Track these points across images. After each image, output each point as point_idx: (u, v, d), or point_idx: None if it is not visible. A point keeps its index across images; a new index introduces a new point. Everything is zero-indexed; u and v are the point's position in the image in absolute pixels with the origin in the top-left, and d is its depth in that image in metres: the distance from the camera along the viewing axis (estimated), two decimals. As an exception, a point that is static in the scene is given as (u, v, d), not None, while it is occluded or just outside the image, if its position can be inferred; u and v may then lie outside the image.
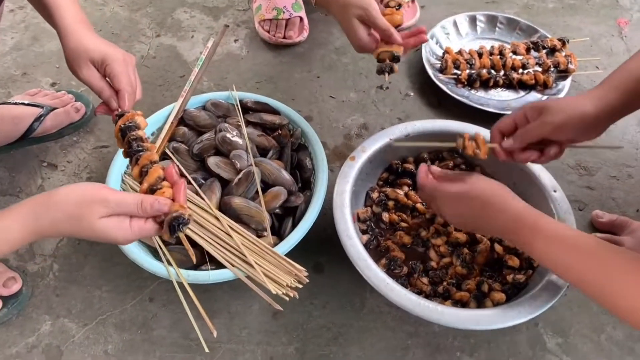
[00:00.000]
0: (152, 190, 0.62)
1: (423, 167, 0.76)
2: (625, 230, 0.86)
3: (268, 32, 1.21)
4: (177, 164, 0.83)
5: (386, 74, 0.82)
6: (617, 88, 0.67)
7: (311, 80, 1.16)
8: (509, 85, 1.11)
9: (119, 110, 0.72)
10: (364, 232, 0.85)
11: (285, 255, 0.79)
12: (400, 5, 0.83)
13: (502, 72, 1.11)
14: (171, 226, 0.60)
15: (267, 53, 1.22)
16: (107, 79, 0.73)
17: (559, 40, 1.15)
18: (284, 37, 1.20)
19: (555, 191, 0.81)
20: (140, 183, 0.62)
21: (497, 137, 0.74)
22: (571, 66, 1.10)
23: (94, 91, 0.73)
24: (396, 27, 0.82)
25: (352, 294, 0.82)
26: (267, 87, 1.14)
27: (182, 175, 0.83)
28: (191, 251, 0.67)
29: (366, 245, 0.82)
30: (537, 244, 0.61)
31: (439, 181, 0.73)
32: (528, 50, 1.15)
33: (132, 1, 1.36)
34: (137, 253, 0.74)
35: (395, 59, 0.81)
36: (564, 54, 1.13)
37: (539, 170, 0.85)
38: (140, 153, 0.67)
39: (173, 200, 0.59)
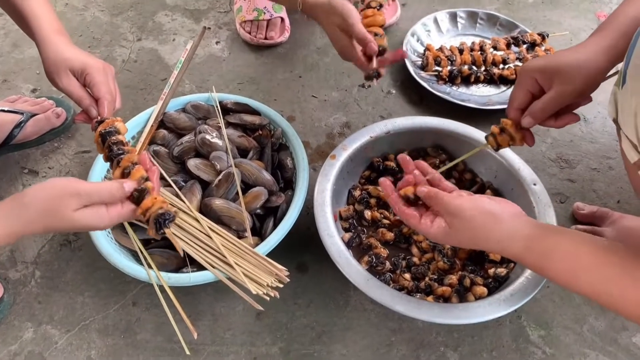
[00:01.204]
0: (140, 192, 0.63)
1: (393, 198, 0.68)
2: (606, 222, 0.87)
3: (249, 33, 1.21)
4: (158, 167, 0.82)
5: (374, 80, 0.82)
6: (624, 34, 0.60)
7: (293, 80, 1.16)
8: (490, 80, 1.11)
9: (99, 118, 0.72)
10: (346, 230, 0.85)
11: (268, 255, 0.78)
12: (381, 5, 0.83)
13: (483, 68, 1.12)
14: (157, 222, 0.62)
15: (249, 54, 1.21)
16: (86, 88, 0.73)
17: (539, 34, 1.16)
18: (266, 38, 1.20)
19: (535, 184, 0.82)
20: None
21: (518, 116, 0.68)
22: (551, 60, 1.10)
23: (73, 100, 0.73)
24: (379, 27, 0.82)
25: (336, 292, 0.82)
26: (249, 88, 1.14)
27: (162, 178, 0.83)
28: (178, 245, 0.67)
29: (349, 243, 0.82)
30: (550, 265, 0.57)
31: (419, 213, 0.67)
32: (508, 45, 1.15)
33: (113, 5, 1.35)
34: (117, 257, 0.73)
35: (381, 50, 0.81)
36: (543, 48, 1.14)
37: (519, 163, 0.85)
38: (121, 155, 0.67)
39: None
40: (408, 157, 0.72)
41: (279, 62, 1.20)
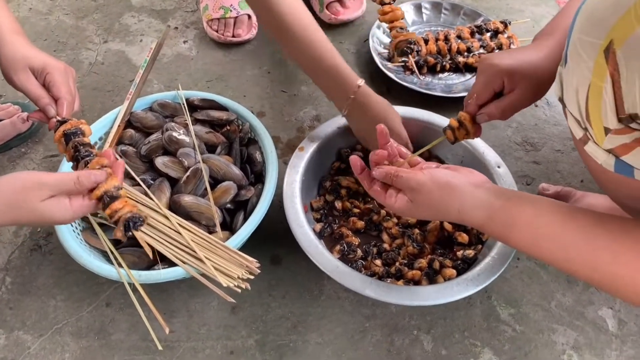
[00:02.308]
0: (110, 197, 0.64)
1: (363, 176, 0.69)
2: (570, 200, 0.89)
3: (217, 31, 1.21)
4: (123, 162, 0.82)
5: (409, 57, 0.90)
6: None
7: (262, 76, 1.16)
8: (456, 69, 1.13)
9: (58, 117, 0.72)
10: (318, 220, 0.86)
11: (241, 249, 0.79)
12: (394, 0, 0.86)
13: (448, 57, 1.13)
14: (126, 225, 0.63)
15: (217, 52, 1.21)
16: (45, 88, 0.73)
17: (502, 22, 1.18)
18: (233, 36, 1.20)
19: (499, 167, 0.84)
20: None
21: (475, 112, 0.70)
22: (513, 47, 1.13)
23: (30, 98, 0.73)
24: (399, 20, 0.89)
25: (310, 283, 0.83)
26: (218, 85, 1.14)
27: (131, 177, 0.82)
28: (147, 248, 0.68)
29: (320, 233, 0.83)
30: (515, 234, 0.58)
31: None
32: (472, 34, 1.17)
33: (78, 8, 1.34)
34: (87, 258, 0.73)
35: (412, 43, 0.85)
36: (506, 35, 1.16)
37: (483, 147, 0.87)
38: (88, 157, 0.67)
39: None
40: (385, 130, 0.70)
41: (248, 59, 1.20)
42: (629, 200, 0.70)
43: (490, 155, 0.86)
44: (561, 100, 0.58)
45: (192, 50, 1.23)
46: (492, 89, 0.68)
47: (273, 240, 0.87)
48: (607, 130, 0.54)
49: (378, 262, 0.80)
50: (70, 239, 0.75)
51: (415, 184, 0.62)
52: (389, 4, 0.85)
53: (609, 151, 0.56)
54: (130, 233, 0.66)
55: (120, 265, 0.73)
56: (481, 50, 1.14)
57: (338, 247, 0.81)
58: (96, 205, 0.63)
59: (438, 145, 0.72)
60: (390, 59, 1.14)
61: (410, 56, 1.07)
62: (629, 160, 0.56)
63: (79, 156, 0.69)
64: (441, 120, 0.90)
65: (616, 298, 0.80)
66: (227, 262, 0.71)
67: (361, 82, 0.81)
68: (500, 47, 1.13)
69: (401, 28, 0.83)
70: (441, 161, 0.93)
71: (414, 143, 0.91)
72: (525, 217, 0.57)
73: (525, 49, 0.67)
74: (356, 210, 0.87)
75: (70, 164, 0.71)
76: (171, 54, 1.22)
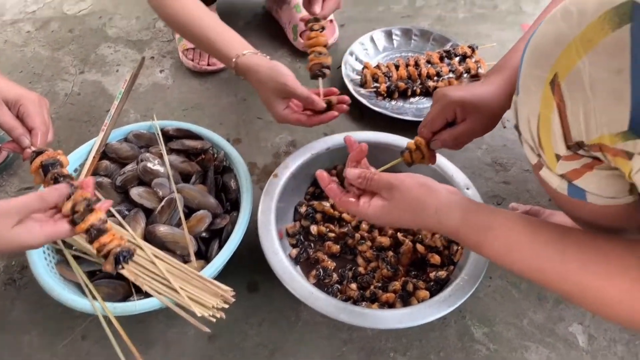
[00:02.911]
0: (98, 230, 0.64)
1: (330, 187, 0.68)
2: (539, 218, 0.92)
3: (192, 60, 1.23)
4: (100, 196, 0.83)
5: (320, 79, 0.87)
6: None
7: (238, 103, 1.18)
8: (426, 93, 1.17)
9: (32, 147, 0.72)
10: (293, 246, 0.87)
11: (217, 277, 0.79)
12: (323, 28, 0.90)
13: (418, 82, 1.17)
14: (116, 259, 0.64)
15: (193, 81, 1.23)
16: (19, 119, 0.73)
17: (469, 47, 1.22)
18: (208, 64, 1.22)
19: (468, 189, 0.86)
20: (73, 218, 0.63)
21: (429, 138, 0.74)
22: (481, 70, 1.17)
23: (4, 129, 0.73)
24: (323, 46, 0.89)
25: (287, 309, 0.84)
26: (195, 113, 1.16)
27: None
28: (139, 280, 0.68)
29: (297, 259, 0.84)
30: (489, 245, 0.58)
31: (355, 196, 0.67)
32: (441, 59, 1.21)
33: (54, 40, 1.35)
34: (61, 291, 0.73)
35: (325, 67, 0.87)
36: (474, 60, 1.20)
37: (453, 170, 0.89)
38: (70, 189, 0.67)
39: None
40: (353, 139, 0.72)
41: (223, 87, 1.22)
42: (586, 221, 0.73)
43: (459, 177, 0.88)
44: (516, 127, 0.61)
45: (169, 79, 1.24)
46: (444, 118, 0.71)
47: (250, 266, 0.87)
48: (558, 157, 0.56)
49: (353, 285, 0.81)
50: (44, 272, 0.75)
51: (395, 180, 0.62)
52: (317, 30, 0.89)
53: (562, 176, 0.59)
54: (120, 266, 0.66)
55: (94, 297, 0.72)
56: (450, 75, 1.18)
57: (314, 272, 0.82)
58: (71, 232, 0.62)
59: (409, 170, 0.74)
60: (362, 84, 1.18)
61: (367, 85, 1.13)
62: (580, 184, 0.59)
63: None
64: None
65: (586, 310, 0.82)
66: (201, 291, 0.71)
67: (246, 52, 0.85)
68: (468, 71, 1.17)
69: (320, 53, 0.88)
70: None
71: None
72: (499, 223, 0.58)
73: (476, 84, 0.72)
74: (332, 235, 0.88)
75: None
76: (147, 83, 1.23)
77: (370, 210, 0.63)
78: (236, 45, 0.87)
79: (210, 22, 0.90)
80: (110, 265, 0.65)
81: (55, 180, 0.69)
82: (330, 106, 0.83)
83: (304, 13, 1.26)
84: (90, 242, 0.65)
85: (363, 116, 1.15)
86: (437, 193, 0.61)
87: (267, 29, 1.36)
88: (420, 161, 0.75)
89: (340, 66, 1.20)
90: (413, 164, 0.74)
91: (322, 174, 0.69)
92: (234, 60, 0.85)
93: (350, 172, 0.65)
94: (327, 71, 0.88)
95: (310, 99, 0.81)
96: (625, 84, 0.48)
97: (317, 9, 0.91)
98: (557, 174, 0.58)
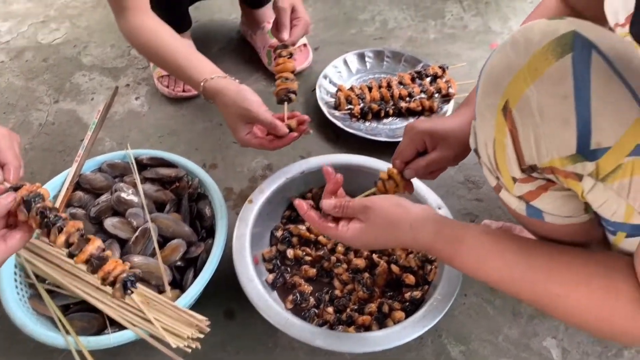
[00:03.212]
0: (98, 259, 0.63)
1: (309, 214, 0.69)
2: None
3: (167, 87, 1.24)
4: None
5: (285, 103, 0.88)
6: None
7: (213, 128, 1.19)
8: (399, 114, 1.19)
9: (7, 184, 0.72)
10: (270, 271, 0.87)
11: (195, 305, 0.79)
12: (291, 54, 0.91)
13: (391, 103, 1.19)
14: (124, 285, 0.63)
15: (168, 107, 1.24)
16: None
17: (440, 67, 1.25)
18: (184, 91, 1.23)
19: (440, 208, 0.88)
20: (70, 251, 0.63)
21: (402, 168, 0.76)
22: (451, 90, 1.20)
23: None
24: (291, 72, 0.91)
25: (265, 335, 0.84)
26: (170, 140, 1.16)
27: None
28: (146, 305, 0.69)
29: (273, 284, 0.85)
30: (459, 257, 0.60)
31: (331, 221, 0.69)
32: (413, 79, 1.24)
33: (28, 69, 1.35)
34: (33, 327, 0.72)
35: (291, 92, 0.88)
36: (444, 79, 1.23)
37: (425, 190, 0.91)
38: (60, 222, 0.67)
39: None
40: (330, 169, 0.73)
41: (199, 112, 1.23)
42: (548, 239, 0.75)
43: (431, 197, 0.90)
44: (476, 151, 0.63)
45: (144, 106, 1.25)
46: (414, 147, 0.74)
47: (227, 293, 0.87)
48: (514, 179, 0.58)
49: (330, 309, 0.81)
50: (16, 307, 0.74)
51: (369, 202, 0.64)
52: (285, 57, 0.91)
53: (520, 197, 0.61)
54: (129, 292, 0.66)
55: (67, 332, 0.72)
56: (422, 95, 1.20)
57: (291, 297, 0.83)
58: (22, 239, 0.62)
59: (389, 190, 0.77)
60: (336, 107, 1.20)
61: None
62: (537, 205, 0.61)
63: (49, 222, 0.67)
64: (384, 166, 0.94)
65: (560, 321, 0.83)
66: (176, 321, 0.71)
67: (214, 76, 0.86)
68: (439, 91, 1.20)
69: (286, 78, 0.90)
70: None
71: (356, 189, 0.95)
72: (471, 234, 0.60)
73: (445, 117, 0.76)
74: (308, 258, 0.88)
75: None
76: (123, 111, 1.23)
77: (348, 233, 0.65)
78: (206, 70, 0.88)
79: (180, 49, 0.91)
80: (119, 292, 0.64)
81: (43, 216, 0.67)
82: (291, 129, 0.84)
83: (276, 38, 1.29)
84: (93, 272, 0.64)
85: (338, 138, 1.17)
86: (410, 210, 0.64)
87: (242, 53, 1.38)
88: (395, 190, 0.77)
89: (314, 89, 1.22)
90: (387, 193, 0.76)
91: (300, 203, 0.70)
92: (202, 84, 0.86)
93: (326, 204, 0.67)
94: (292, 96, 0.89)
95: (273, 125, 0.81)
96: (570, 110, 0.50)
97: (285, 36, 0.93)
98: (515, 195, 0.60)
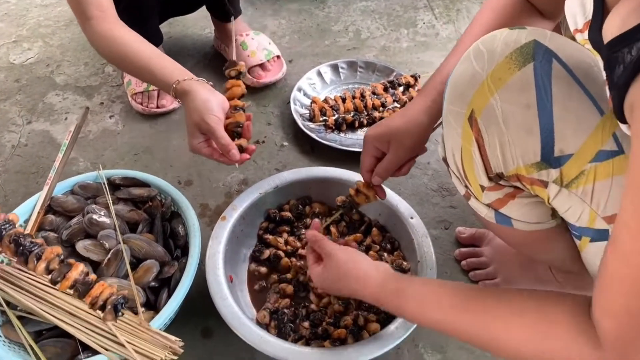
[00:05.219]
0: (83, 284, 0.63)
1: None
2: (484, 241, 0.95)
3: (141, 104, 1.23)
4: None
5: (235, 139, 0.84)
6: (440, 93, 0.67)
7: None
8: (373, 124, 1.19)
9: None
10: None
11: (171, 325, 0.79)
12: (239, 73, 0.88)
13: (365, 113, 1.20)
14: (115, 309, 0.65)
15: (143, 124, 1.24)
16: None
17: (412, 76, 1.27)
18: (157, 107, 1.23)
19: (412, 218, 0.89)
20: (52, 278, 0.63)
21: (369, 177, 0.78)
22: (424, 99, 1.21)
23: None
24: (239, 98, 0.86)
25: (243, 352, 0.84)
26: (145, 158, 1.16)
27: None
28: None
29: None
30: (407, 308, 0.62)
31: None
32: (386, 89, 1.25)
33: (0, 91, 1.34)
34: (4, 355, 0.71)
35: (240, 126, 0.84)
36: (417, 88, 1.25)
37: (397, 200, 0.92)
38: (36, 249, 0.66)
39: None
40: (318, 223, 0.82)
41: (174, 128, 1.23)
42: (517, 245, 0.76)
43: (403, 207, 0.90)
44: (444, 160, 0.64)
45: (119, 124, 1.24)
46: (371, 155, 0.76)
47: (203, 311, 0.87)
48: (482, 188, 0.59)
49: (306, 324, 0.81)
50: (-13, 337, 0.73)
51: (331, 250, 0.69)
52: (235, 78, 0.87)
53: (488, 205, 0.62)
54: (121, 314, 0.66)
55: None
56: (395, 105, 1.22)
57: (267, 314, 0.83)
58: None
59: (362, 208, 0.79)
60: (311, 119, 1.20)
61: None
62: (505, 212, 0.62)
63: (25, 250, 0.66)
64: (358, 177, 0.95)
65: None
66: (149, 344, 0.71)
67: (184, 78, 0.83)
68: (411, 100, 1.21)
69: (235, 108, 0.84)
70: (362, 215, 0.97)
71: (332, 202, 0.95)
72: (412, 287, 0.62)
73: (393, 116, 0.75)
74: (288, 276, 0.89)
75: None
76: (97, 130, 1.23)
77: (314, 271, 0.72)
78: (177, 72, 0.86)
79: (150, 52, 0.88)
80: (110, 315, 0.65)
81: (17, 244, 0.67)
82: (242, 150, 0.82)
83: (249, 50, 1.29)
84: (80, 297, 0.64)
85: (313, 150, 1.17)
86: (360, 266, 0.68)
87: (216, 67, 1.38)
88: (366, 201, 0.79)
89: (289, 102, 1.23)
90: (358, 206, 0.78)
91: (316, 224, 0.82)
92: (173, 86, 0.83)
93: (307, 233, 0.77)
94: (240, 130, 0.85)
95: (227, 149, 0.79)
96: (534, 118, 0.52)
97: (232, 55, 0.92)
98: (484, 203, 0.62)
